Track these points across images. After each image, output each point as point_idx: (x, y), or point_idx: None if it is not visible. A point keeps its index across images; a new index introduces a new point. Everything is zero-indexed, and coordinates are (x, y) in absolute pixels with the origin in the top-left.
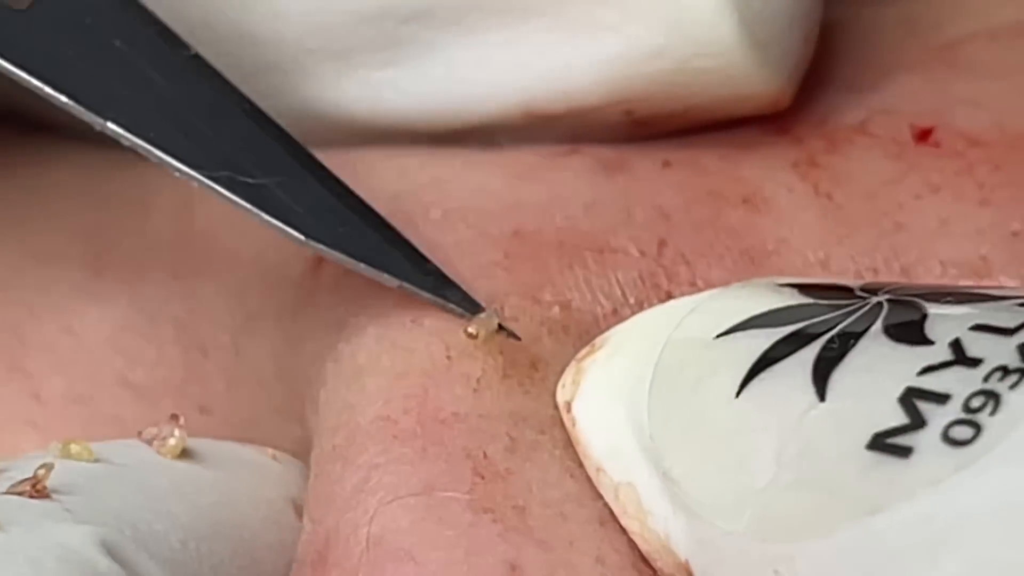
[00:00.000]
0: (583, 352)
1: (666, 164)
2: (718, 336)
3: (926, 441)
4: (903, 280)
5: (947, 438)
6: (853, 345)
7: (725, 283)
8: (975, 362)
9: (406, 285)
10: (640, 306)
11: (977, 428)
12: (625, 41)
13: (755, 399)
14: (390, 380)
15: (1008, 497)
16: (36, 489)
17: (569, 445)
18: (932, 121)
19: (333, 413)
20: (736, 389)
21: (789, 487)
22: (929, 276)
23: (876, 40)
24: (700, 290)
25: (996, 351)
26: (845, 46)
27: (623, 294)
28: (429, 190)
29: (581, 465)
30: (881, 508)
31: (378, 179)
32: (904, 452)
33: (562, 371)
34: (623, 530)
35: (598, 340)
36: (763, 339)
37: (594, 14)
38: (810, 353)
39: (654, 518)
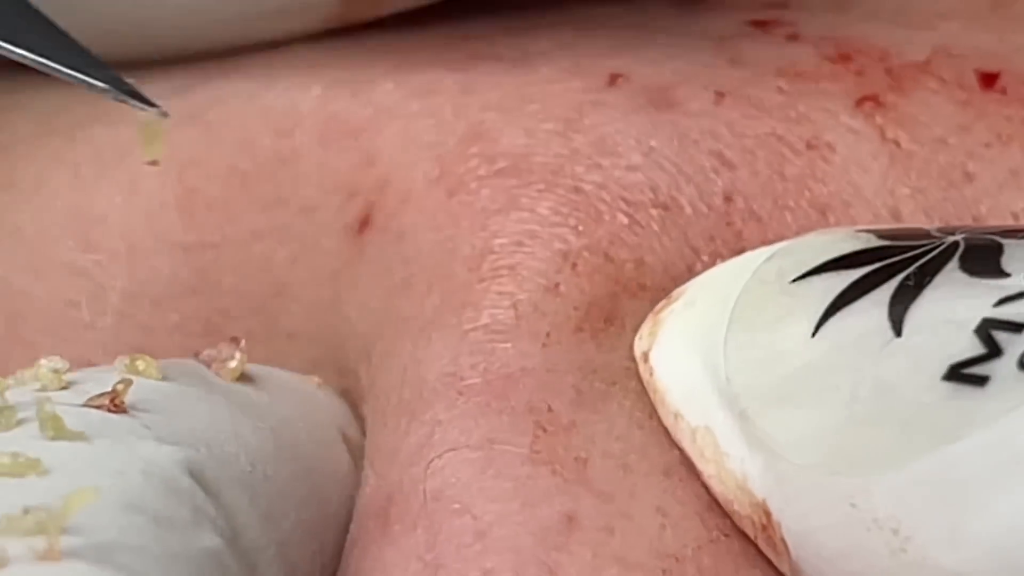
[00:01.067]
0: (660, 304)
1: (719, 97)
2: (794, 280)
3: (1003, 369)
4: None
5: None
6: (929, 282)
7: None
8: None
9: (79, 76)
10: (714, 261)
11: None
12: None
13: (831, 337)
14: (457, 337)
15: None
16: (114, 404)
17: (640, 396)
18: (998, 66)
19: (397, 368)
20: (812, 329)
21: (865, 421)
22: None
23: None
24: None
25: None
26: None
27: (695, 251)
28: (477, 142)
29: (652, 416)
30: (957, 437)
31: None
32: (980, 381)
33: (638, 326)
34: (690, 480)
35: (675, 292)
36: (839, 280)
37: None
38: (886, 291)
39: (731, 460)
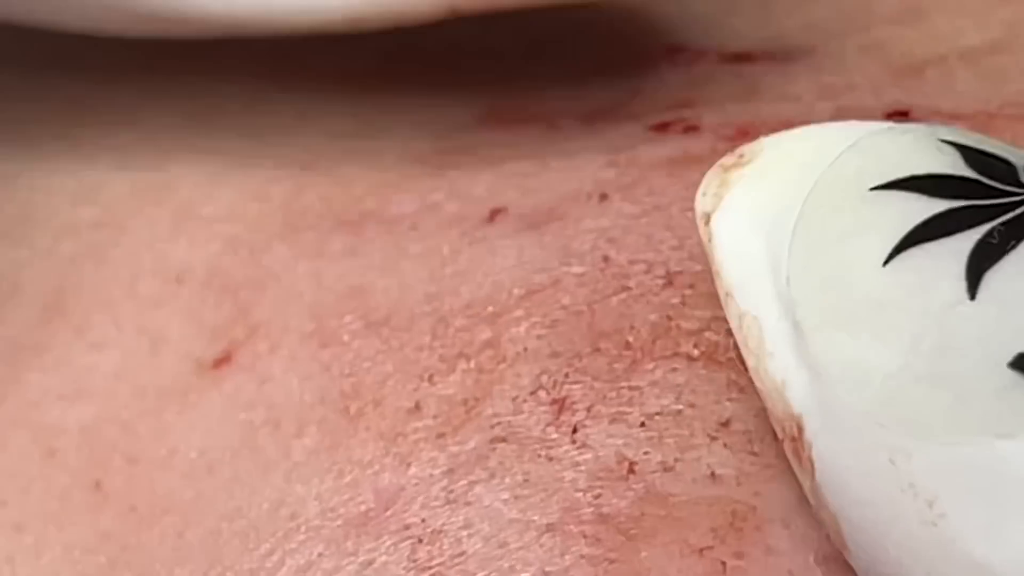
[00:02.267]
0: (730, 159)
1: (603, 198)
2: (873, 188)
3: None
4: None
5: None
6: (1014, 247)
7: None
8: None
9: None
10: None
11: None
12: None
13: (902, 273)
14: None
15: None
16: None
17: None
18: None
19: None
20: (884, 256)
21: (920, 380)
22: None
23: None
24: None
25: None
26: None
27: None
28: (354, 300)
29: None
30: (1013, 434)
31: None
32: None
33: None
34: None
35: (747, 149)
36: (920, 208)
37: None
38: (967, 241)
39: (774, 360)
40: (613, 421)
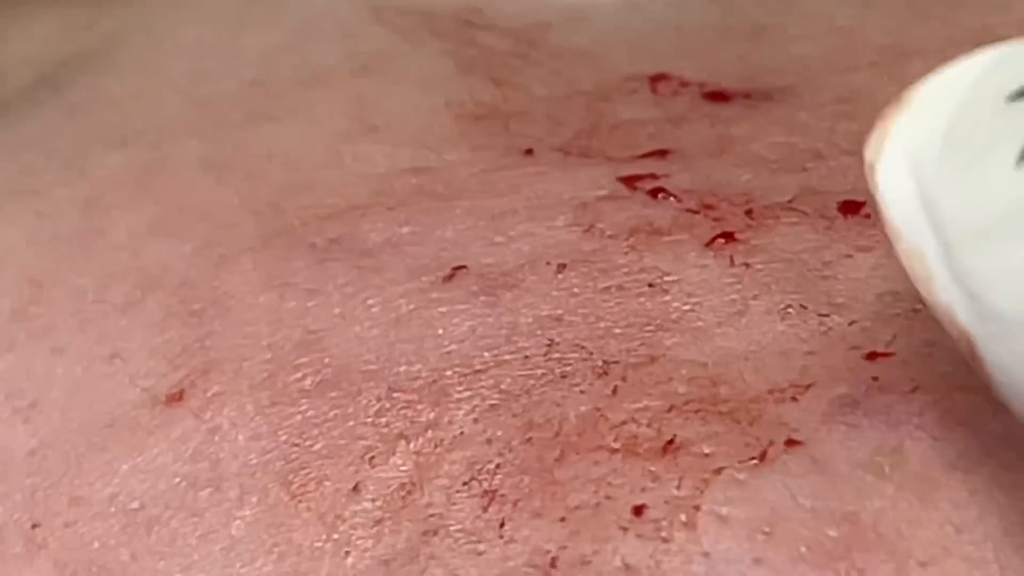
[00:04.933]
0: (890, 108)
1: (560, 268)
2: (1009, 99)
3: None
4: None
5: None
6: None
7: None
8: None
9: None
10: None
11: None
12: None
13: None
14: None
15: None
16: None
17: None
18: (864, 198)
19: None
20: (1018, 155)
21: None
22: None
23: None
24: None
25: None
26: None
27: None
28: (308, 352)
29: None
30: None
31: None
32: None
33: None
34: None
35: (905, 96)
36: None
37: None
38: None
39: (938, 286)
40: (537, 515)
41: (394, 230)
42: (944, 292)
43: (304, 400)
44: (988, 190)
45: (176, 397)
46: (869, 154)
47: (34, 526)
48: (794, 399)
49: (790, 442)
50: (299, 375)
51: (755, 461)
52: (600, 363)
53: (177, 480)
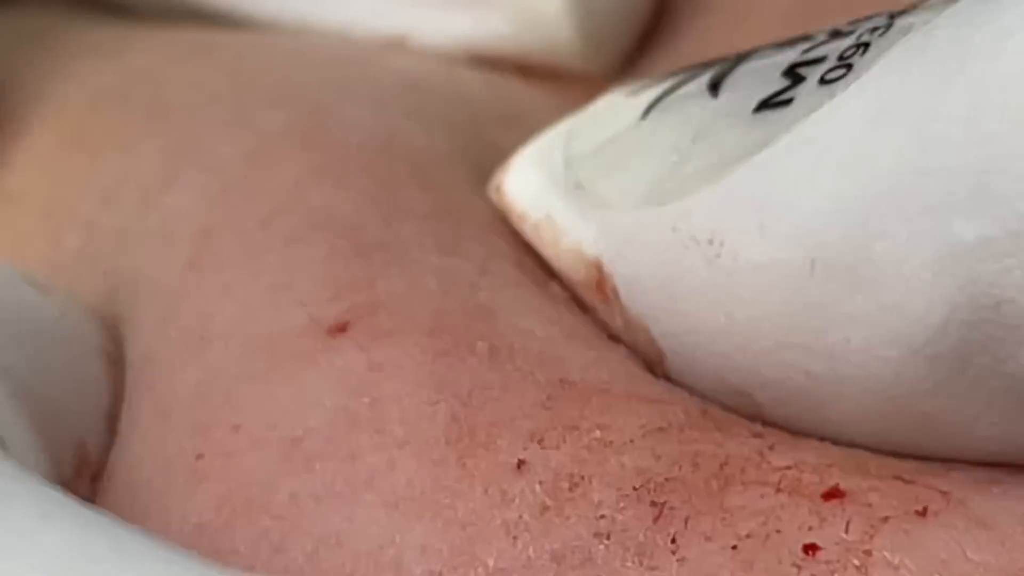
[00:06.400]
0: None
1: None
2: (628, 95)
3: (804, 89)
4: None
5: (822, 80)
6: (744, 59)
7: None
8: (849, 33)
9: None
10: None
11: (849, 67)
12: (473, 22)
13: (657, 117)
14: None
15: (875, 106)
16: None
17: None
18: None
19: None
20: (641, 114)
21: (685, 161)
22: None
23: None
24: None
25: (869, 22)
26: None
27: None
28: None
29: None
30: (765, 144)
31: None
32: (786, 103)
33: None
34: None
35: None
36: (669, 82)
37: None
38: (706, 75)
39: (567, 237)
40: (707, 538)
41: None
42: (573, 237)
43: (474, 361)
44: (617, 140)
45: (340, 328)
46: (492, 183)
47: (198, 457)
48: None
49: (951, 498)
50: (470, 336)
51: (919, 515)
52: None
53: (338, 413)
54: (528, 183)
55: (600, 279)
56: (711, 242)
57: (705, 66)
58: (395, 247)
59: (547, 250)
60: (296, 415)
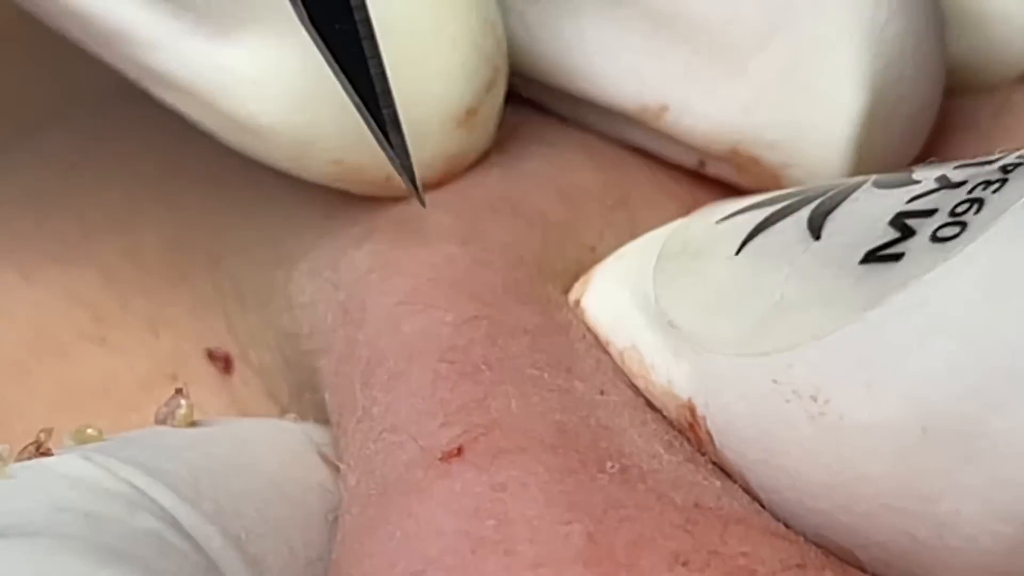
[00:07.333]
0: (594, 268)
1: None
2: (718, 221)
3: (916, 245)
4: None
5: (935, 238)
6: (845, 198)
7: None
8: (960, 184)
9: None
10: None
11: (963, 226)
12: (744, 116)
13: (753, 253)
14: None
15: (995, 274)
16: (40, 452)
17: None
18: None
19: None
20: (736, 249)
21: (787, 308)
22: None
23: None
24: None
25: (978, 173)
26: None
27: None
28: None
29: None
30: (874, 304)
31: None
32: (896, 258)
33: None
34: None
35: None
36: (761, 212)
37: (731, 79)
38: (805, 211)
39: (656, 371)
40: None
41: None
42: (664, 373)
43: (605, 479)
44: (710, 276)
45: (454, 452)
46: (573, 294)
47: None
48: None
49: None
50: (597, 454)
51: None
52: None
53: (460, 539)
54: (611, 305)
55: (693, 422)
56: (815, 399)
57: (798, 197)
58: (500, 365)
59: (637, 380)
60: (415, 548)
